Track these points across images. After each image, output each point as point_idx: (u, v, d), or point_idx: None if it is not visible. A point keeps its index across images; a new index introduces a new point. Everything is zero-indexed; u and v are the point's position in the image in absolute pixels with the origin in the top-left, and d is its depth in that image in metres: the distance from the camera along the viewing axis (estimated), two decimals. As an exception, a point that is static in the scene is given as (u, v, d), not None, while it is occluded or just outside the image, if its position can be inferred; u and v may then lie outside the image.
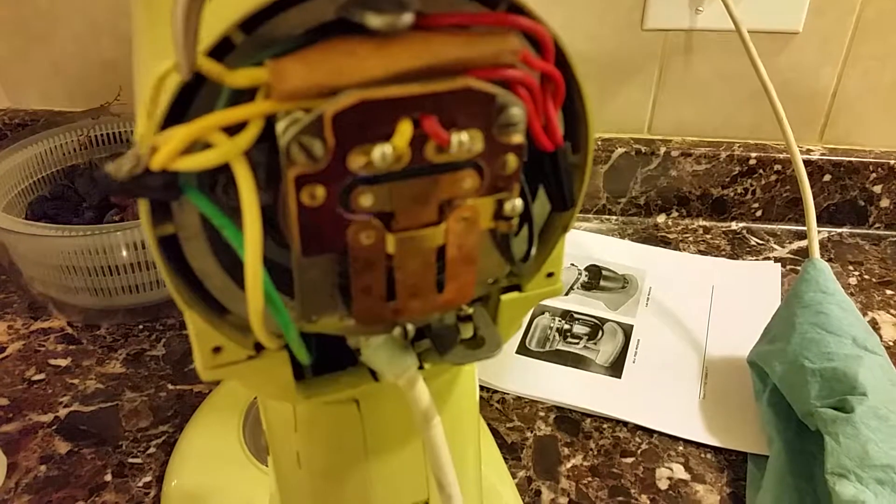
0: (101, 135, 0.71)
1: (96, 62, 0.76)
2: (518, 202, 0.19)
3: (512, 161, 0.19)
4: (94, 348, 0.60)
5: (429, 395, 0.23)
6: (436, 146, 0.18)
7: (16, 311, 0.63)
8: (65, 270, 0.58)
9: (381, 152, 0.17)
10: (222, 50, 0.17)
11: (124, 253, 0.58)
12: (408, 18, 0.17)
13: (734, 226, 0.74)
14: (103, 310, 0.61)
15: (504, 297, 0.24)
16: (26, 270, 0.60)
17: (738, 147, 0.71)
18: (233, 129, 0.17)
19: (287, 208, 0.18)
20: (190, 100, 0.18)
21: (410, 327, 0.22)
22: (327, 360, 0.25)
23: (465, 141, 0.17)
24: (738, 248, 0.71)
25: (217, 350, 0.21)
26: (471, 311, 0.23)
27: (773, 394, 0.51)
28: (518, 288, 0.24)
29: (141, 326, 0.62)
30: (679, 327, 0.61)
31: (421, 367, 0.24)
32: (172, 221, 0.19)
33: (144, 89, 0.17)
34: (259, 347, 0.22)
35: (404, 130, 0.17)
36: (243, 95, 0.17)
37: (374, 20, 0.17)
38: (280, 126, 0.17)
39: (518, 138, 0.18)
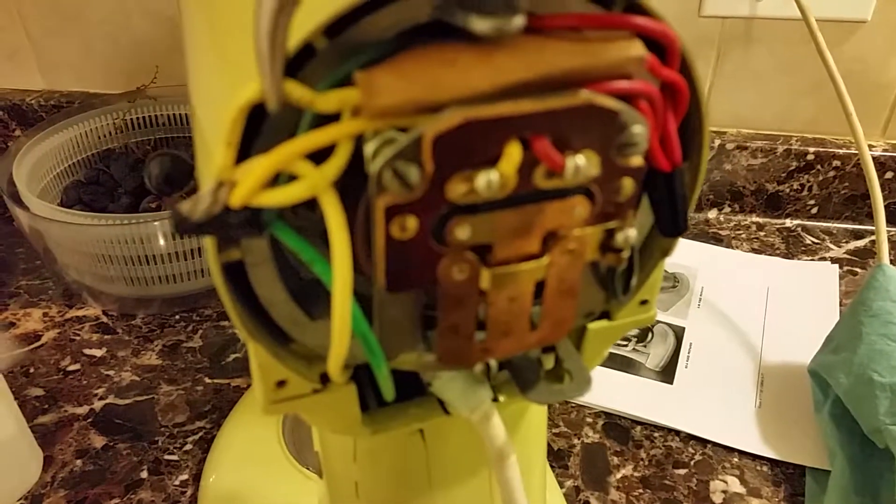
0: (138, 118, 0.70)
1: (129, 42, 0.74)
2: (632, 233, 0.17)
3: (628, 186, 0.17)
4: (130, 339, 0.58)
5: (504, 431, 0.21)
6: (546, 171, 0.15)
7: (51, 298, 0.62)
8: (100, 259, 0.56)
9: (487, 180, 0.15)
10: (301, 57, 0.15)
11: (161, 242, 0.56)
12: (519, 21, 0.15)
13: (788, 223, 0.71)
14: (139, 299, 0.60)
15: (591, 325, 0.21)
16: (61, 258, 0.58)
17: (796, 141, 0.68)
18: (316, 154, 0.15)
19: (373, 240, 0.16)
20: (258, 121, 0.16)
21: (493, 363, 0.20)
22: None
23: (581, 165, 0.15)
24: (792, 246, 0.68)
25: (281, 384, 0.19)
26: (557, 341, 0.21)
27: (836, 406, 0.48)
28: (607, 315, 0.22)
29: (177, 317, 0.60)
30: (733, 330, 0.58)
31: (495, 400, 0.22)
32: (239, 247, 0.18)
33: (216, 116, 0.15)
34: (325, 380, 0.20)
35: (513, 154, 0.15)
36: (325, 115, 0.15)
37: (480, 23, 0.15)
38: (369, 148, 0.15)
39: (638, 160, 0.16)
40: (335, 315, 0.16)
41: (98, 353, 0.57)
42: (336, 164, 0.15)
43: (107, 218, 0.55)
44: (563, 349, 0.21)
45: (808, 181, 0.69)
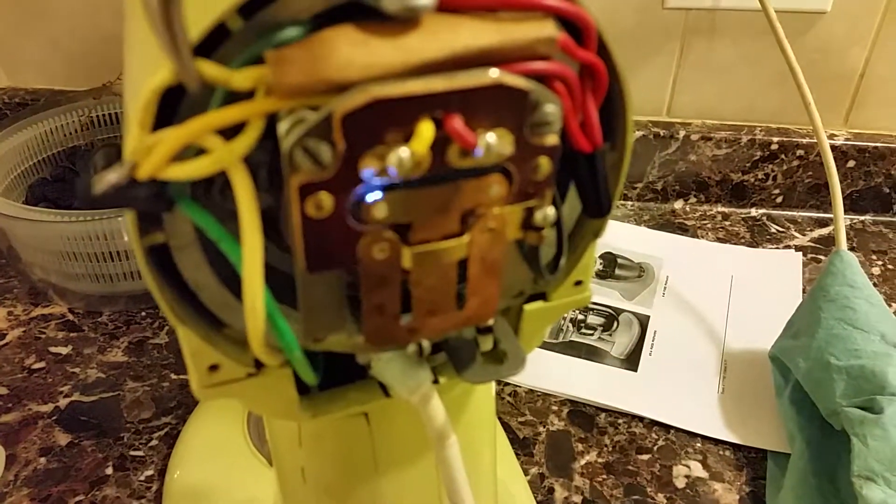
0: (104, 115, 0.69)
1: (95, 38, 0.73)
2: (550, 211, 0.18)
3: (545, 165, 0.17)
4: (96, 336, 0.58)
5: (444, 412, 0.22)
6: (460, 149, 0.16)
7: (16, 297, 0.62)
8: (65, 256, 0.56)
9: (398, 157, 0.15)
10: (216, 38, 0.15)
11: (126, 238, 0.56)
12: (429, 1, 0.15)
13: (754, 212, 0.71)
14: (105, 296, 0.60)
15: (527, 307, 0.22)
16: (25, 256, 0.58)
17: (760, 131, 0.69)
18: (229, 131, 0.15)
19: (290, 219, 0.16)
20: (176, 99, 0.16)
21: (426, 343, 0.21)
22: (333, 372, 0.23)
23: (493, 143, 0.15)
24: (757, 235, 0.69)
25: (214, 368, 0.20)
26: (490, 322, 0.22)
27: (796, 390, 0.49)
28: (543, 297, 0.22)
29: (143, 314, 0.60)
30: (697, 318, 0.59)
31: (436, 382, 0.23)
32: (162, 229, 0.18)
33: (135, 99, 0.15)
34: (259, 364, 0.20)
35: (425, 132, 0.15)
36: (239, 92, 0.15)
37: (391, 4, 0.15)
38: (282, 127, 0.15)
39: (552, 139, 0.16)
40: (246, 293, 0.16)
41: (64, 350, 0.57)
42: (245, 141, 0.15)
43: (70, 215, 0.55)
44: (500, 330, 0.22)
45: (773, 171, 0.70)
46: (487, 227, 0.17)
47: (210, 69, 0.15)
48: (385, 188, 0.16)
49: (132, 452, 0.49)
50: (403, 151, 0.15)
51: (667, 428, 0.51)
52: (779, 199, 0.71)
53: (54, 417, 0.52)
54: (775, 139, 0.69)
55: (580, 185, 0.19)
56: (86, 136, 0.69)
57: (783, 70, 0.56)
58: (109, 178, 0.16)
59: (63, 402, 0.53)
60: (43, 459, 0.49)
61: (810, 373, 0.47)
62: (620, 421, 0.51)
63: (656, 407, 0.51)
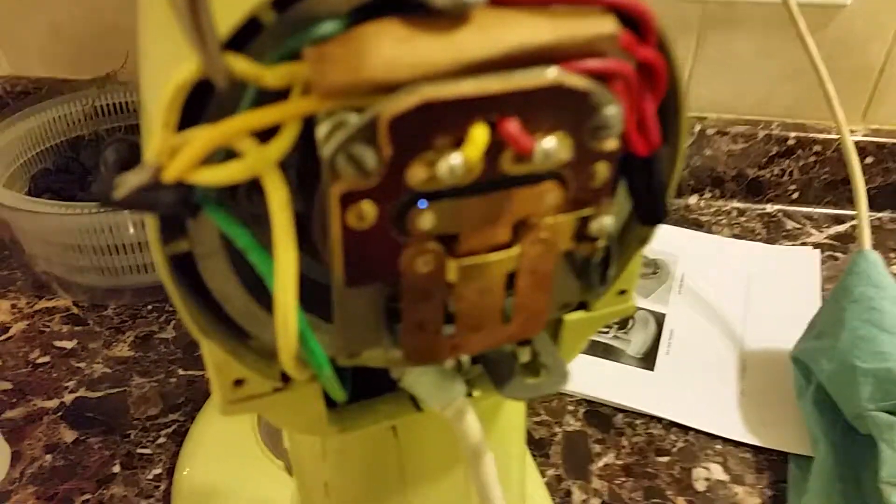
0: (107, 104, 0.68)
1: (99, 26, 0.72)
2: (608, 221, 0.16)
3: (603, 171, 0.16)
4: (101, 330, 0.57)
5: (479, 428, 0.21)
6: (514, 155, 0.14)
7: (19, 289, 0.61)
8: (69, 249, 0.55)
9: (450, 165, 0.14)
10: (248, 33, 0.14)
11: (132, 231, 0.55)
12: None
13: (769, 208, 0.70)
14: (110, 289, 0.58)
15: (568, 317, 0.21)
16: (29, 248, 0.57)
17: (777, 126, 0.68)
18: (261, 134, 0.14)
19: (329, 230, 0.15)
20: (202, 98, 0.14)
21: (465, 358, 0.19)
22: (359, 383, 0.22)
23: (551, 149, 0.14)
24: (773, 231, 0.67)
25: (239, 383, 0.18)
26: (532, 334, 0.20)
27: (819, 392, 0.48)
28: (585, 306, 0.21)
29: (150, 307, 0.59)
30: (714, 317, 0.58)
31: (469, 395, 0.22)
32: (186, 237, 0.16)
33: (158, 96, 0.14)
34: (286, 378, 0.19)
35: (478, 137, 0.14)
36: (271, 91, 0.14)
37: None
38: (322, 130, 0.14)
39: (612, 144, 0.15)
40: (277, 311, 0.15)
41: (69, 345, 0.56)
42: (280, 145, 0.14)
43: (75, 207, 0.53)
44: (539, 341, 0.21)
45: (789, 166, 0.68)
46: (539, 238, 0.16)
47: (240, 64, 0.13)
48: (431, 196, 0.15)
49: (140, 450, 0.48)
50: (455, 158, 0.14)
51: (686, 429, 0.50)
52: (795, 195, 0.70)
53: (60, 413, 0.51)
54: (792, 134, 0.67)
55: (634, 190, 0.18)
56: (89, 126, 0.68)
57: (800, 64, 0.54)
58: (132, 180, 0.14)
59: (68, 398, 0.52)
60: (49, 457, 0.48)
61: (835, 375, 0.46)
62: (638, 422, 0.50)
63: (675, 407, 0.50)
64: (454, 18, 0.14)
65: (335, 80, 0.13)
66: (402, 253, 0.15)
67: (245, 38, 0.14)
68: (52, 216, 0.53)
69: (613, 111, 0.15)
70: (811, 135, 0.67)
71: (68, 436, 0.49)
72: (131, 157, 0.61)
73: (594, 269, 0.18)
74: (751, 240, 0.66)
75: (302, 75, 0.13)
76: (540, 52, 0.14)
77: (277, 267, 0.14)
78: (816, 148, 0.67)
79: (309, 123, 0.14)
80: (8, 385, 0.53)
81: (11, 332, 0.57)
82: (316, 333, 0.17)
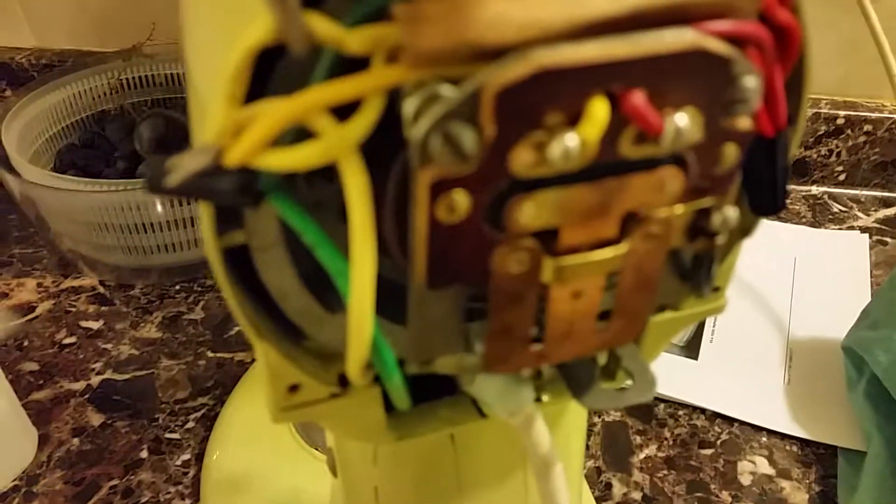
0: (133, 78, 0.66)
1: (126, -3, 0.70)
2: (732, 213, 0.14)
3: (731, 154, 0.13)
4: (128, 310, 0.56)
5: (549, 436, 0.19)
6: (636, 134, 0.12)
7: (45, 268, 0.60)
8: (95, 227, 0.54)
9: (564, 147, 0.12)
10: None
11: (159, 209, 0.53)
12: None
13: (814, 190, 0.68)
14: (137, 269, 0.57)
15: (654, 317, 0.19)
16: (55, 226, 0.56)
17: (826, 104, 0.65)
18: (336, 111, 0.12)
19: (412, 224, 0.13)
20: (265, 69, 0.12)
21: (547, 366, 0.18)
22: (416, 384, 0.20)
23: (683, 127, 0.12)
24: (819, 214, 0.65)
25: (293, 389, 0.17)
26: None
27: (872, 384, 0.46)
28: (672, 304, 0.19)
29: (178, 287, 0.58)
30: (760, 303, 0.55)
31: (538, 399, 0.20)
32: (242, 228, 0.15)
33: (213, 66, 0.12)
34: (344, 382, 0.17)
35: (598, 113, 0.12)
36: (348, 59, 0.12)
37: None
38: (409, 105, 0.12)
39: (746, 122, 0.13)
40: (352, 318, 0.13)
41: (95, 325, 0.55)
42: (363, 124, 0.12)
43: (101, 184, 0.52)
44: (623, 347, 0.19)
45: (837, 146, 0.66)
46: (650, 233, 0.14)
47: (321, 25, 0.11)
48: (532, 185, 0.13)
49: (168, 435, 0.47)
50: (570, 139, 0.12)
51: (730, 420, 0.48)
52: (841, 177, 0.67)
53: (86, 396, 0.50)
54: (842, 113, 0.64)
55: (750, 175, 0.16)
56: (115, 100, 0.66)
57: (851, 38, 0.52)
58: (188, 163, 0.13)
59: (95, 380, 0.51)
60: (76, 440, 0.47)
61: (892, 367, 0.43)
62: (681, 412, 0.48)
63: (719, 398, 0.48)
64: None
65: (432, 43, 0.11)
66: (494, 251, 0.13)
67: None
68: (77, 193, 0.52)
69: (753, 83, 0.12)
70: (862, 113, 0.64)
71: (95, 419, 0.48)
72: (167, 133, 0.59)
73: (705, 268, 0.16)
74: (795, 223, 0.64)
75: (390, 39, 0.11)
76: (670, 11, 0.12)
77: (354, 268, 0.12)
78: (867, 127, 0.65)
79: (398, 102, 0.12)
80: (35, 366, 0.52)
81: (38, 311, 0.56)
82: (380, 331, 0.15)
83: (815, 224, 0.64)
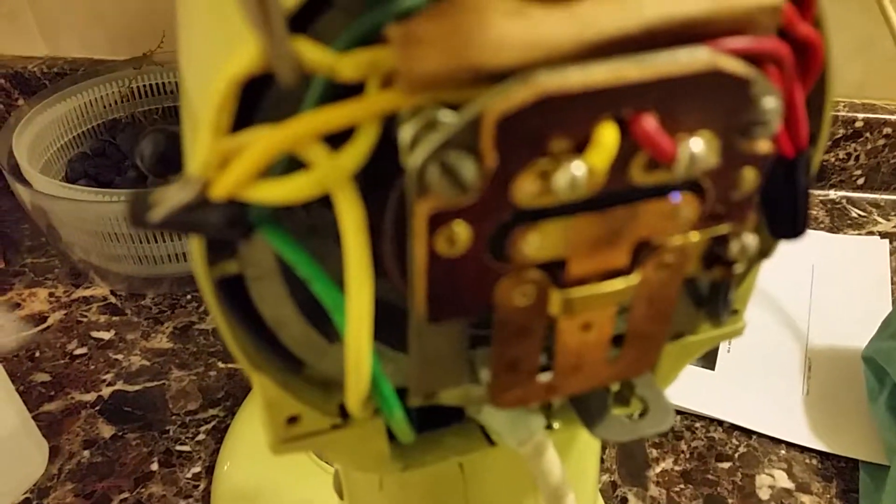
0: (144, 86, 0.66)
1: (136, 5, 0.70)
2: (752, 240, 0.14)
3: (749, 178, 0.13)
4: (139, 320, 0.56)
5: (560, 465, 0.18)
6: (647, 161, 0.12)
7: (57, 277, 0.60)
8: (106, 237, 0.54)
9: (571, 176, 0.11)
10: (311, 7, 0.11)
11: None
12: None
13: (832, 195, 0.66)
14: (148, 278, 0.57)
15: (669, 343, 0.18)
16: (66, 235, 0.55)
17: (844, 107, 0.64)
18: (330, 137, 0.12)
19: (411, 256, 0.12)
20: (254, 93, 0.12)
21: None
22: (422, 412, 0.19)
23: (698, 153, 0.12)
24: (837, 220, 0.64)
25: (293, 420, 0.16)
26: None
27: (894, 396, 0.45)
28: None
29: (189, 297, 0.57)
30: (777, 311, 0.54)
31: (549, 427, 0.19)
32: (235, 257, 0.14)
33: (204, 89, 0.12)
34: (345, 412, 0.17)
35: (607, 140, 0.11)
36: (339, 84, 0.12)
37: None
38: (406, 132, 0.11)
39: (766, 145, 0.13)
40: (349, 353, 0.13)
41: (106, 335, 0.55)
42: (357, 153, 0.11)
43: (112, 194, 0.52)
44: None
45: (856, 150, 0.64)
46: (664, 263, 0.13)
47: (311, 51, 0.11)
48: (537, 214, 0.12)
49: (178, 447, 0.47)
50: (577, 167, 0.11)
51: (748, 433, 0.47)
52: (860, 181, 0.66)
53: (97, 407, 0.50)
54: (860, 115, 0.63)
55: (769, 198, 0.15)
56: (126, 108, 0.66)
57: (869, 37, 0.51)
58: (173, 197, 0.12)
59: (106, 392, 0.51)
60: (87, 452, 0.47)
61: (915, 380, 0.42)
62: (698, 425, 0.47)
63: (736, 410, 0.48)
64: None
65: (429, 67, 0.10)
66: (498, 282, 0.13)
67: (308, 13, 0.11)
68: (87, 203, 0.52)
69: (773, 104, 0.12)
70: (881, 116, 0.63)
71: (106, 431, 0.48)
72: (170, 149, 0.58)
73: (722, 295, 0.15)
74: (813, 229, 0.63)
75: (385, 63, 0.11)
76: (683, 28, 0.11)
77: (350, 304, 0.12)
78: (886, 130, 0.63)
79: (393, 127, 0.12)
80: (46, 377, 0.52)
81: (49, 321, 0.56)
82: (380, 361, 0.15)
83: (833, 229, 0.63)
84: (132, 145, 0.62)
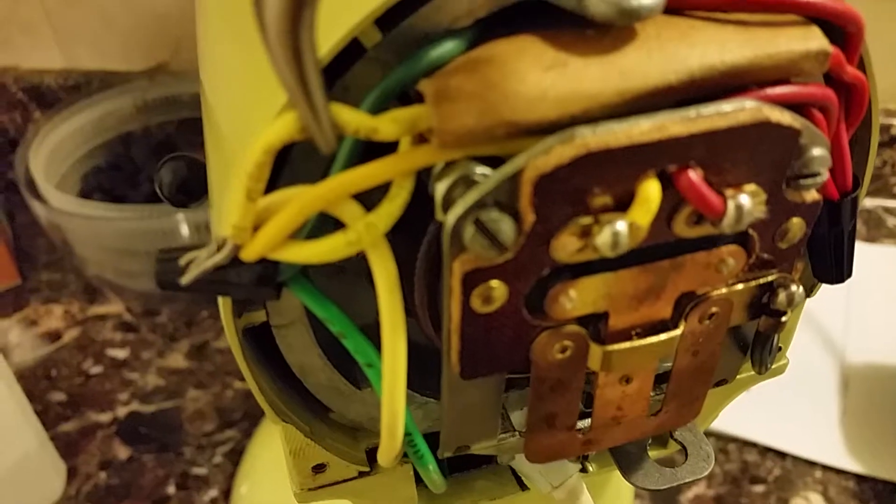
0: (158, 97, 0.65)
1: (149, 14, 0.69)
2: (797, 291, 0.13)
3: (797, 229, 0.12)
4: (155, 338, 0.55)
5: (599, 514, 0.17)
6: (690, 214, 0.11)
7: (72, 294, 0.59)
8: (121, 253, 0.53)
9: (614, 234, 0.10)
10: (341, 58, 0.11)
11: (185, 234, 0.52)
12: (656, 0, 0.10)
13: (868, 203, 0.64)
14: (164, 295, 0.56)
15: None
16: (80, 251, 0.55)
17: (879, 114, 0.62)
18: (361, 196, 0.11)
19: (445, 313, 0.11)
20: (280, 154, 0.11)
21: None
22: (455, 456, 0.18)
23: (745, 207, 0.10)
24: (873, 229, 0.62)
25: (319, 468, 0.15)
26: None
27: (937, 417, 0.43)
28: None
29: (205, 314, 0.56)
30: (812, 326, 0.53)
31: (583, 470, 0.18)
32: (262, 307, 0.13)
33: (234, 149, 0.11)
34: (372, 457, 0.16)
35: (650, 196, 0.10)
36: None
37: (598, 5, 0.10)
38: (440, 188, 0.10)
39: (814, 194, 0.11)
40: (385, 411, 0.12)
41: (121, 354, 0.54)
42: (392, 211, 0.10)
43: (127, 209, 0.51)
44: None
45: (892, 157, 0.63)
46: (708, 314, 0.12)
47: (349, 115, 0.10)
48: (577, 269, 0.11)
49: (195, 470, 0.46)
50: (620, 225, 0.10)
51: (782, 455, 0.45)
52: None
53: (114, 428, 0.49)
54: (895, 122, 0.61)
55: (815, 242, 0.14)
56: (140, 121, 0.65)
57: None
58: (204, 260, 0.11)
59: (122, 412, 0.50)
60: (103, 474, 0.46)
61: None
62: (731, 447, 0.46)
63: (770, 431, 0.46)
64: (615, 32, 0.10)
65: (464, 123, 0.09)
66: (535, 338, 0.11)
67: (337, 64, 0.10)
68: (101, 220, 0.51)
69: (820, 153, 0.11)
70: (916, 123, 0.61)
71: (122, 452, 0.47)
72: (190, 177, 0.57)
73: (769, 345, 0.14)
74: (846, 239, 0.61)
75: (423, 122, 0.10)
76: (728, 76, 0.10)
77: (386, 362, 0.11)
78: (921, 137, 0.61)
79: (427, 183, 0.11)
80: (62, 396, 0.51)
81: (64, 339, 0.55)
82: (409, 407, 0.14)
83: (869, 240, 0.61)
84: (146, 157, 0.62)
